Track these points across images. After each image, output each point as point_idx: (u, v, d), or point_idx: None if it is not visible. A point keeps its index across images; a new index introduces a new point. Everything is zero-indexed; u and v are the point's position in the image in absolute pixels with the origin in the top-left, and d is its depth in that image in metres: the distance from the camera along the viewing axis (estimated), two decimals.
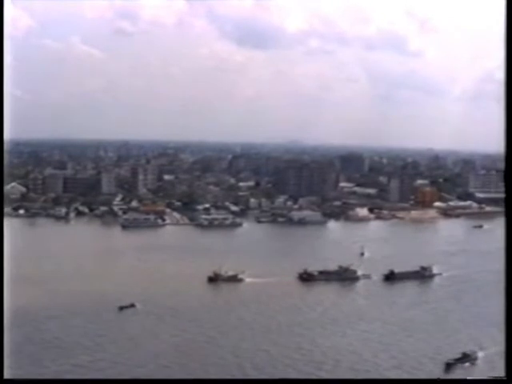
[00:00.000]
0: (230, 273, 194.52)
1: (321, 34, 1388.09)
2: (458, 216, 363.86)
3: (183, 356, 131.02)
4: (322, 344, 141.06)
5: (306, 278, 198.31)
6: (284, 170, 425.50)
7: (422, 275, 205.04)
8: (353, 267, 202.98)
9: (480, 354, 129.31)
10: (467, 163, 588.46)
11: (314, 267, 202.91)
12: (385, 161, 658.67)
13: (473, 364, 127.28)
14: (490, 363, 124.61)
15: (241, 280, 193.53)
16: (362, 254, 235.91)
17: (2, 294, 76.08)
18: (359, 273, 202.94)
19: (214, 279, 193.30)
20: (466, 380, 64.37)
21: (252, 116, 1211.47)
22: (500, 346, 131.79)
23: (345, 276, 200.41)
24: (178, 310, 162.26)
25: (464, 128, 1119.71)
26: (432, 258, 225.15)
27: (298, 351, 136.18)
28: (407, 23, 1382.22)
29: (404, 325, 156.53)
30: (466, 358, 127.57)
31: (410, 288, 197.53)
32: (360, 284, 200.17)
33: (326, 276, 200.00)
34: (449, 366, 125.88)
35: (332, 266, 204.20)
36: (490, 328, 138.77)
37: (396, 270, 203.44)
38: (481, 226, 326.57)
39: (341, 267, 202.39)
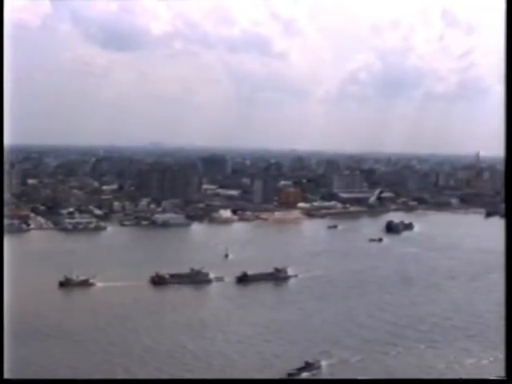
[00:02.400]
0: (82, 277, 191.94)
1: (185, 36, 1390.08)
2: (323, 216, 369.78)
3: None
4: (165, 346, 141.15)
5: (157, 281, 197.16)
6: (147, 172, 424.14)
7: (277, 277, 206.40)
8: (205, 270, 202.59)
9: (323, 363, 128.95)
10: (331, 164, 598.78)
11: (176, 270, 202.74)
12: (248, 162, 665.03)
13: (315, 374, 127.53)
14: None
15: (92, 284, 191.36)
16: (227, 256, 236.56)
17: (2, 296, 72.99)
18: (211, 275, 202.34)
19: (64, 284, 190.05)
20: (466, 380, 65.40)
21: (115, 119, 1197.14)
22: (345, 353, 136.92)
23: (197, 279, 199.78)
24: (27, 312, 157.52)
25: (327, 129, 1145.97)
26: (293, 259, 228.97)
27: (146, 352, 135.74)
28: (271, 25, 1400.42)
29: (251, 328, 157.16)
30: (308, 367, 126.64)
31: (261, 290, 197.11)
32: (212, 286, 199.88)
33: (178, 279, 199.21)
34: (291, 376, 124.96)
35: (198, 268, 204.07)
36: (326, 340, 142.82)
37: (250, 272, 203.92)
38: (335, 226, 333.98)
39: (193, 270, 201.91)
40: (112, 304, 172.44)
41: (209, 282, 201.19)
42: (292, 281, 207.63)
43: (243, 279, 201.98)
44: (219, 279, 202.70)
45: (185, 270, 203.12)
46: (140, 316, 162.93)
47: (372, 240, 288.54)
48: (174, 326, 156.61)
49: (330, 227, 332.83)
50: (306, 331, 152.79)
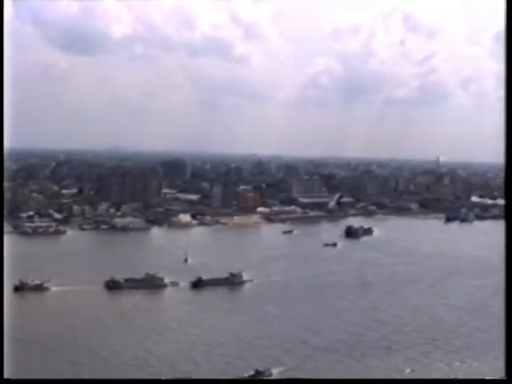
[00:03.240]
0: (36, 282, 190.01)
1: (146, 40, 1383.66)
2: (283, 221, 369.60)
3: None
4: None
5: (112, 285, 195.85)
6: (107, 176, 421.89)
7: (232, 282, 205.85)
8: (159, 275, 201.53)
9: (274, 371, 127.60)
10: (290, 168, 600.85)
11: (135, 274, 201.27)
12: (208, 167, 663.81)
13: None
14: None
15: (46, 289, 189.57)
16: (186, 260, 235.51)
17: (2, 297, 71.29)
18: (166, 280, 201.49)
19: (19, 288, 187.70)
20: (466, 380, 64.81)
21: (76, 123, 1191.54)
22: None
23: (152, 283, 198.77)
24: None
25: (287, 133, 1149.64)
26: (250, 264, 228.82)
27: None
28: (232, 29, 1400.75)
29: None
30: (258, 374, 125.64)
31: (216, 295, 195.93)
32: (167, 291, 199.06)
33: (133, 284, 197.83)
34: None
35: (153, 273, 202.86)
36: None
37: (208, 276, 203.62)
38: (291, 231, 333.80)
39: (147, 274, 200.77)
40: (63, 308, 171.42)
41: (164, 286, 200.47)
42: (247, 286, 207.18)
43: (198, 284, 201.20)
44: (174, 284, 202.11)
45: (144, 274, 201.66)
46: (86, 320, 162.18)
47: (326, 245, 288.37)
48: (119, 330, 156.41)
49: (284, 232, 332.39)
50: (252, 340, 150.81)
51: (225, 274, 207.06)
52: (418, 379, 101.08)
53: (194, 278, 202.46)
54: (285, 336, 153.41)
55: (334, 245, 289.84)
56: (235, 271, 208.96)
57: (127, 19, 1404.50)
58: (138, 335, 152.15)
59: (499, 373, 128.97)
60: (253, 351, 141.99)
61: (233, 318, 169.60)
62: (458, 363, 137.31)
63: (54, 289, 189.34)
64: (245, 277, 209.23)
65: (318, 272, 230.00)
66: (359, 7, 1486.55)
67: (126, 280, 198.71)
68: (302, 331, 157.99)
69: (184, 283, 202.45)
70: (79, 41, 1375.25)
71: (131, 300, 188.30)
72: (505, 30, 56.95)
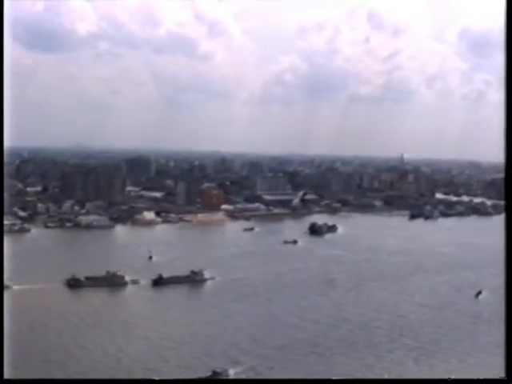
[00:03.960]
0: None
1: (110, 37, 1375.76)
2: (247, 218, 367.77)
3: None
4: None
5: (73, 284, 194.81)
6: (71, 174, 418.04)
7: (193, 280, 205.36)
8: (120, 273, 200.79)
9: (231, 372, 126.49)
10: (254, 166, 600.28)
11: (98, 272, 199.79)
12: (172, 164, 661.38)
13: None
14: None
15: (8, 287, 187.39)
16: (150, 258, 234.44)
17: (2, 296, 69.82)
18: (127, 278, 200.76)
19: None
20: (466, 380, 64.19)
21: (40, 120, 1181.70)
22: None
23: (112, 281, 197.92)
24: None
25: (252, 131, 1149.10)
26: (212, 261, 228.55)
27: None
28: (196, 26, 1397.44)
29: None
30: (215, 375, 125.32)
31: (176, 293, 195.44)
32: (127, 289, 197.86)
33: (93, 282, 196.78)
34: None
35: (122, 271, 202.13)
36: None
37: (171, 274, 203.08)
38: (252, 229, 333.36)
39: (108, 272, 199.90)
40: (22, 307, 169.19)
41: (124, 284, 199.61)
42: (209, 283, 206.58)
43: (159, 282, 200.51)
44: (135, 282, 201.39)
45: (111, 271, 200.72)
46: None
47: (286, 242, 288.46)
48: (75, 327, 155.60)
49: (246, 230, 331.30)
50: (207, 341, 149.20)
51: (187, 272, 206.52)
52: (418, 379, 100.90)
53: (155, 276, 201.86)
54: (242, 336, 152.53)
55: (295, 242, 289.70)
56: (197, 269, 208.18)
57: (92, 17, 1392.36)
58: (94, 333, 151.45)
59: (467, 367, 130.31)
60: (199, 354, 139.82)
61: (190, 317, 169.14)
62: (423, 358, 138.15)
63: (15, 287, 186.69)
64: (206, 274, 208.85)
65: (280, 269, 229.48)
66: (324, 4, 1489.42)
67: (87, 278, 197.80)
68: (256, 330, 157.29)
69: (145, 281, 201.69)
70: (44, 38, 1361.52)
71: (90, 298, 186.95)
72: (505, 29, 56.72)
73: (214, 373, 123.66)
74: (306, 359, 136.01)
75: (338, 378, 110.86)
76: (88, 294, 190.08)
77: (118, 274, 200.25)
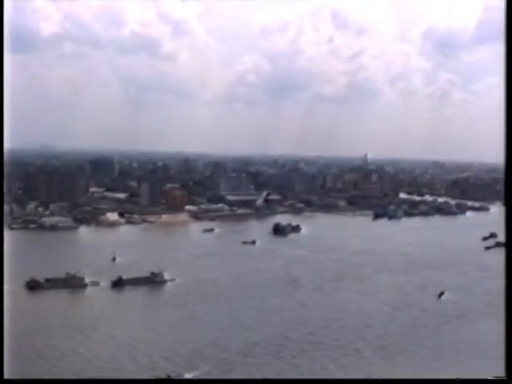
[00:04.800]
0: None
1: (74, 38, 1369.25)
2: (212, 219, 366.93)
3: None
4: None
5: (32, 285, 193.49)
6: (34, 175, 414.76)
7: (153, 281, 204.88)
8: (80, 274, 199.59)
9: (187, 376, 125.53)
10: (218, 166, 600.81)
11: (60, 274, 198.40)
12: (135, 165, 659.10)
13: None
14: None
15: None
16: (114, 259, 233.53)
17: (2, 297, 68.79)
18: (87, 280, 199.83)
19: None
20: (466, 380, 64.46)
21: (4, 121, 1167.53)
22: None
23: (72, 283, 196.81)
24: None
25: (215, 131, 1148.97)
26: (175, 262, 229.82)
27: None
28: (160, 26, 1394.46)
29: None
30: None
31: (135, 295, 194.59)
32: (87, 291, 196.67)
33: (53, 284, 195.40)
34: None
35: (86, 273, 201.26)
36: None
37: (133, 275, 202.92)
38: (212, 230, 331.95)
39: (68, 274, 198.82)
40: None
41: (84, 286, 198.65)
42: (169, 285, 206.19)
43: (118, 283, 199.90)
44: (95, 283, 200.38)
45: (71, 273, 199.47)
46: None
47: (245, 243, 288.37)
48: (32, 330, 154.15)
49: (206, 231, 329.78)
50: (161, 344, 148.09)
51: (148, 273, 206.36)
52: (418, 379, 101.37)
53: (124, 276, 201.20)
54: (197, 340, 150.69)
55: (253, 242, 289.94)
56: (157, 270, 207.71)
57: (56, 17, 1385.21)
58: (46, 335, 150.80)
59: (431, 367, 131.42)
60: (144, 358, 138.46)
61: (150, 319, 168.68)
62: (388, 358, 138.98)
63: None
64: (167, 276, 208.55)
65: (242, 270, 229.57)
66: (287, 5, 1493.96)
67: (47, 280, 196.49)
68: (216, 333, 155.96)
69: (105, 283, 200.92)
70: (8, 39, 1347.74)
71: (47, 300, 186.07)
72: (505, 30, 57.23)
73: (168, 378, 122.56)
74: (267, 362, 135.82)
75: (338, 378, 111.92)
76: (46, 295, 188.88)
77: (78, 275, 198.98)
